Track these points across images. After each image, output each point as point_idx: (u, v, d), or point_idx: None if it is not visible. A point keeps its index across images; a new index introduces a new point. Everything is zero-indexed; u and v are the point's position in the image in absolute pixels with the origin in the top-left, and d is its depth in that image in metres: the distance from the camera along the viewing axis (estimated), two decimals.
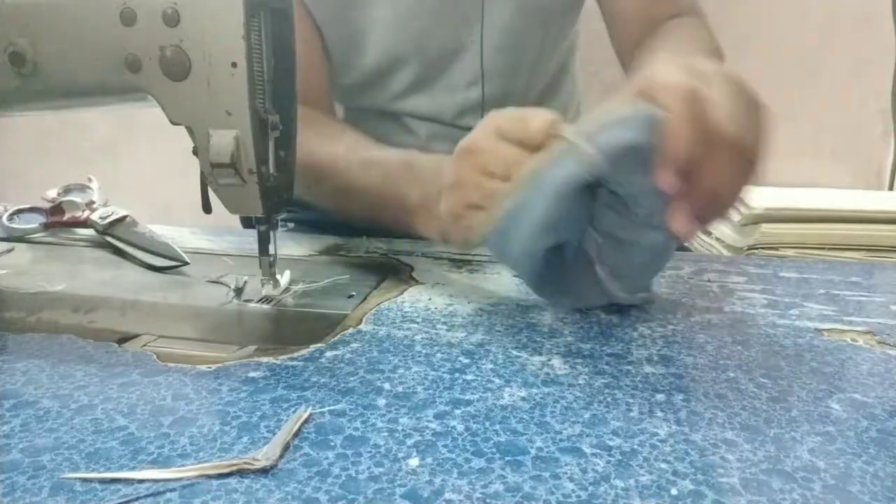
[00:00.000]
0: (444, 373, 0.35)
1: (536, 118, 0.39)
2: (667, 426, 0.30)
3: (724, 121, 0.35)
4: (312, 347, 0.37)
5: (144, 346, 0.37)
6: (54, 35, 0.41)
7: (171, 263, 0.52)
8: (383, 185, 0.55)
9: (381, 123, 0.73)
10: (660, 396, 0.32)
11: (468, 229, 0.42)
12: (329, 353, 0.37)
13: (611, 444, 0.28)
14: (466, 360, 0.36)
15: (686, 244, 1.14)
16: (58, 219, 0.60)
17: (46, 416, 0.30)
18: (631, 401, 0.32)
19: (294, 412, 0.30)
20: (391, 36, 0.67)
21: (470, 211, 0.42)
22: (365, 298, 0.46)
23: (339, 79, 0.72)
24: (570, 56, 0.78)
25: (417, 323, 0.41)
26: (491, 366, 0.35)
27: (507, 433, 0.29)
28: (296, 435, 0.28)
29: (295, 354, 0.36)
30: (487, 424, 0.30)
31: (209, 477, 0.25)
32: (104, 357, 0.36)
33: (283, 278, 0.47)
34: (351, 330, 0.40)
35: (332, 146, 0.61)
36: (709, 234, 1.07)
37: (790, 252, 0.93)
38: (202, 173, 0.42)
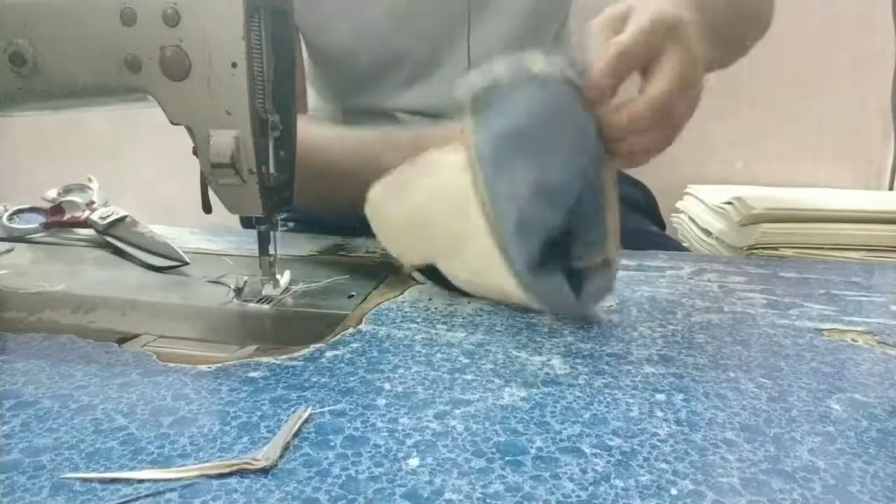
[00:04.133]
0: (444, 373, 0.35)
1: None
2: (667, 426, 0.30)
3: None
4: (312, 347, 0.37)
5: (144, 346, 0.37)
6: (54, 35, 0.41)
7: (171, 263, 0.52)
8: (359, 154, 0.56)
9: (375, 121, 0.73)
10: (660, 396, 0.32)
11: None
12: (329, 353, 0.37)
13: (611, 444, 0.28)
14: (466, 360, 0.36)
15: (685, 244, 1.13)
16: (58, 219, 0.60)
17: (46, 416, 0.30)
18: (631, 401, 0.32)
19: (294, 412, 0.30)
20: (386, 35, 0.68)
21: None
22: (365, 298, 0.46)
23: (336, 79, 0.73)
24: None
25: (417, 323, 0.41)
26: (491, 366, 0.35)
27: (507, 433, 0.29)
28: (296, 435, 0.28)
29: (295, 354, 0.36)
30: (487, 424, 0.29)
31: (209, 477, 0.25)
32: (104, 357, 0.36)
33: (283, 278, 0.47)
34: (351, 330, 0.40)
35: (307, 131, 0.62)
36: (708, 234, 1.07)
37: (790, 252, 0.93)
38: (202, 173, 0.42)
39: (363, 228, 0.62)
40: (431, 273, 0.46)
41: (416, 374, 0.34)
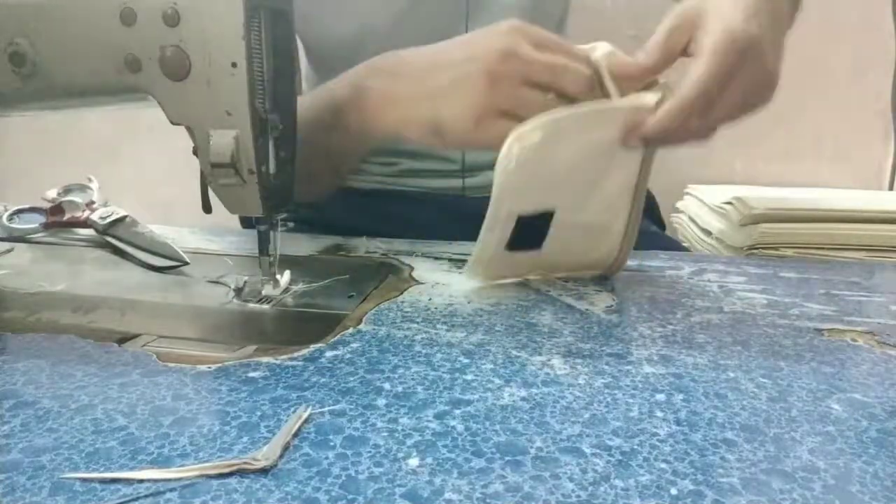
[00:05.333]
0: (444, 373, 0.35)
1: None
2: (667, 426, 0.30)
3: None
4: (312, 347, 0.37)
5: (144, 346, 0.37)
6: (54, 35, 0.41)
7: (171, 263, 0.52)
8: (328, 97, 0.55)
9: None
10: (660, 396, 0.32)
11: (494, 136, 0.42)
12: (329, 353, 0.37)
13: (611, 444, 0.28)
14: (466, 360, 0.36)
15: (685, 244, 1.13)
16: (58, 219, 0.60)
17: (46, 416, 0.30)
18: (631, 401, 0.32)
19: (294, 412, 0.30)
20: (386, 38, 0.67)
21: (498, 118, 0.43)
22: (365, 298, 0.46)
23: None
24: None
25: (417, 323, 0.41)
26: (491, 366, 0.35)
27: (507, 433, 0.29)
28: (296, 435, 0.28)
29: (295, 354, 0.36)
30: (487, 424, 0.30)
31: (209, 477, 0.25)
32: (104, 357, 0.36)
33: (283, 278, 0.47)
34: (351, 330, 0.40)
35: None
36: (708, 234, 1.07)
37: (790, 252, 0.93)
38: (202, 173, 0.42)
39: (363, 228, 0.63)
40: (528, 226, 0.46)
41: (416, 374, 0.34)
